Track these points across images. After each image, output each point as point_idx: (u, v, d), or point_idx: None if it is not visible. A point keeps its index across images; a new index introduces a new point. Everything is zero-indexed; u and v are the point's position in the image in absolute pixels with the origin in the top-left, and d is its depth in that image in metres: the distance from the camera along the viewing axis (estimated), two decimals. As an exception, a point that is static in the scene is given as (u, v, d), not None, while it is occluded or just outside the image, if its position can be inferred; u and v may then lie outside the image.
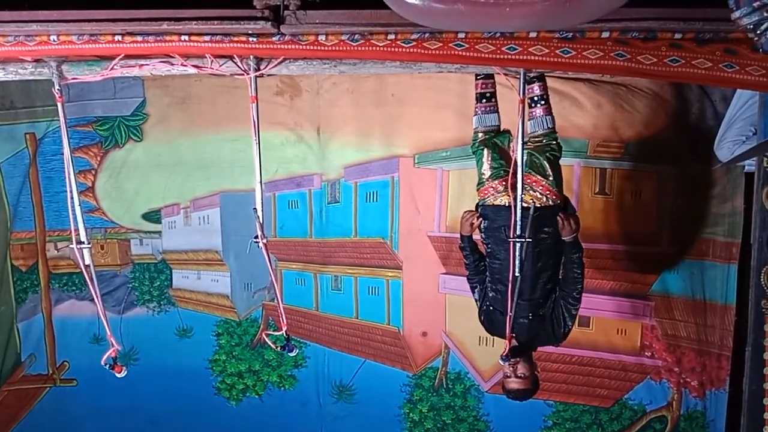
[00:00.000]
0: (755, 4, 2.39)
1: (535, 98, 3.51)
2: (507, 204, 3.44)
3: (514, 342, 3.55)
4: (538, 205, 3.41)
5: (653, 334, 4.73)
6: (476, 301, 3.72)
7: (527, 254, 3.33)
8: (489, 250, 3.61)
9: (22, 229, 5.23)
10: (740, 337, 4.34)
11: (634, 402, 4.87)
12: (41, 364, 5.37)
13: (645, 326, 4.74)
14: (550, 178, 3.46)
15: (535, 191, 3.45)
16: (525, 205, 3.34)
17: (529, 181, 3.39)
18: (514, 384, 3.54)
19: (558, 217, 3.40)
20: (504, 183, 3.46)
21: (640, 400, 4.85)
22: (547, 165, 3.45)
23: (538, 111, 3.53)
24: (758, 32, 2.43)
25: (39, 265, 5.28)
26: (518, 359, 3.50)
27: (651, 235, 4.62)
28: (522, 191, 3.30)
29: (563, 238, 3.43)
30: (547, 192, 3.47)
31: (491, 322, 3.66)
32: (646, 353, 4.77)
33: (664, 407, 4.83)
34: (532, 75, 3.43)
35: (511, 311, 3.37)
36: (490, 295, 3.62)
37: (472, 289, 3.72)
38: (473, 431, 5.13)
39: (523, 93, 3.51)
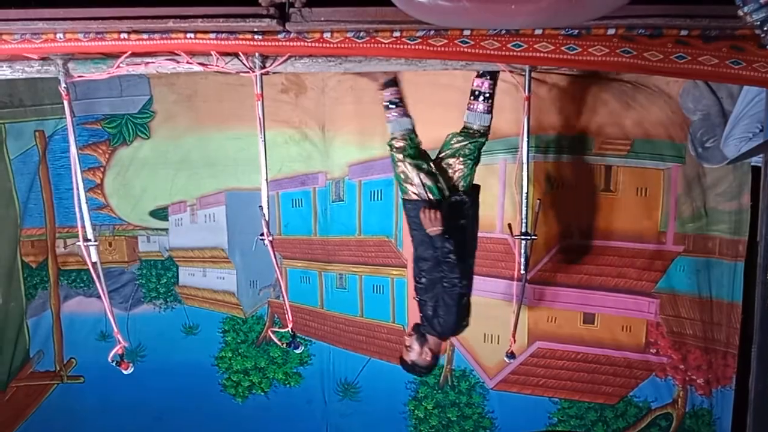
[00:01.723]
0: (762, 1, 2.38)
1: (485, 93, 3.59)
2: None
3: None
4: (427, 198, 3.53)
5: (658, 331, 4.72)
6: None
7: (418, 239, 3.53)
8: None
9: (33, 226, 5.26)
10: (747, 335, 4.33)
11: (639, 399, 4.86)
12: (49, 361, 5.40)
13: (650, 323, 4.73)
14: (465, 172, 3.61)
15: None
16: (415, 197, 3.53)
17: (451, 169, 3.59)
18: (426, 358, 3.64)
19: (420, 212, 3.47)
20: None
21: (646, 397, 4.85)
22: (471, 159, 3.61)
23: (481, 106, 3.61)
24: (765, 29, 2.42)
25: (49, 262, 5.31)
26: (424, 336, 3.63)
27: (656, 232, 4.61)
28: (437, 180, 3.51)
29: (427, 231, 3.46)
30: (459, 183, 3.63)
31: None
32: (651, 350, 4.76)
33: (670, 404, 4.82)
34: (485, 71, 3.55)
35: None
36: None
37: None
38: (478, 428, 5.13)
39: (529, 90, 3.52)
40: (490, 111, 3.63)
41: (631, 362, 4.80)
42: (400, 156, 3.59)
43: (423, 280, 3.59)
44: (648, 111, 4.46)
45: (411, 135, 3.65)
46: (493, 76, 3.58)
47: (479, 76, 3.59)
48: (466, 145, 3.61)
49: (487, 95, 3.60)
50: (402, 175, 3.61)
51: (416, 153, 3.61)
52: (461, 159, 3.62)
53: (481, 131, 3.65)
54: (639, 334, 4.75)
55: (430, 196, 3.55)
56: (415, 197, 3.58)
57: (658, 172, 4.56)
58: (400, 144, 3.62)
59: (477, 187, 3.72)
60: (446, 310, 3.53)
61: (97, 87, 4.77)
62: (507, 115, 4.46)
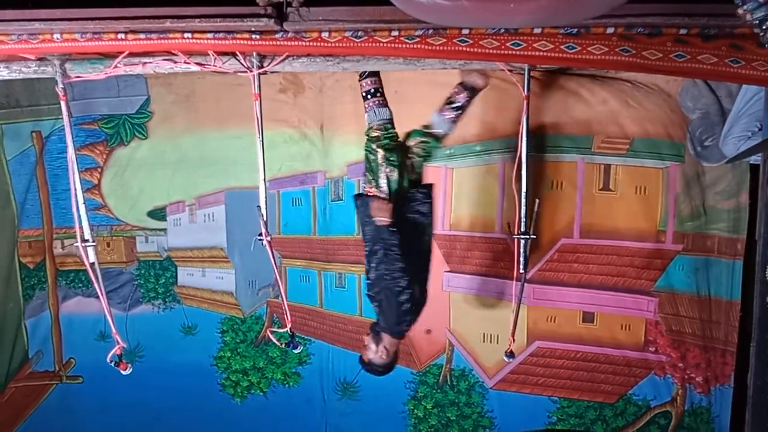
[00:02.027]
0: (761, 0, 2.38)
1: (371, 91, 3.72)
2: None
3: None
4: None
5: (657, 330, 4.72)
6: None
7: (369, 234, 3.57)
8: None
9: (30, 227, 5.24)
10: (745, 333, 4.33)
11: (638, 398, 4.87)
12: (48, 361, 5.39)
13: (649, 322, 4.73)
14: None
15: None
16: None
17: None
18: (383, 357, 3.66)
19: (371, 200, 3.55)
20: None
21: (645, 395, 4.85)
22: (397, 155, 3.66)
23: (451, 115, 3.72)
24: (764, 27, 2.41)
25: (46, 263, 5.30)
26: (379, 334, 3.65)
27: (656, 231, 4.61)
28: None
29: (374, 219, 3.50)
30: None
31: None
32: (650, 349, 4.76)
33: (669, 403, 4.83)
34: (469, 84, 3.68)
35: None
36: None
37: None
38: (478, 427, 5.13)
39: (528, 89, 3.52)
40: (456, 121, 3.75)
41: (630, 361, 4.80)
42: (374, 146, 3.64)
43: (371, 275, 3.60)
44: (647, 110, 4.46)
45: (387, 125, 3.69)
46: (473, 91, 3.70)
47: (461, 84, 3.69)
48: (427, 143, 3.71)
49: (459, 107, 3.72)
50: (372, 164, 3.66)
51: (390, 144, 3.65)
52: (416, 156, 3.72)
53: (441, 137, 3.75)
54: (638, 332, 4.76)
55: (388, 190, 3.60)
56: (373, 192, 3.63)
57: (657, 171, 4.56)
58: (375, 134, 3.67)
59: (430, 186, 3.77)
60: (387, 305, 3.55)
61: (94, 87, 4.75)
62: (506, 115, 4.49)
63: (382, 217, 3.45)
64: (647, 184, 4.58)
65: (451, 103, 3.72)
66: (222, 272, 5.31)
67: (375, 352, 3.67)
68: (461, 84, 3.73)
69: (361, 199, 3.66)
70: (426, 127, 3.73)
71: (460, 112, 3.73)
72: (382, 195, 3.58)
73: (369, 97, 3.75)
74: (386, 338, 3.63)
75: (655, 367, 4.79)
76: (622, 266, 4.69)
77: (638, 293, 4.70)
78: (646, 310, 4.71)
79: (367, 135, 3.70)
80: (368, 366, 3.76)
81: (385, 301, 3.54)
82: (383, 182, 3.61)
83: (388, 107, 3.76)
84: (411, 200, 3.65)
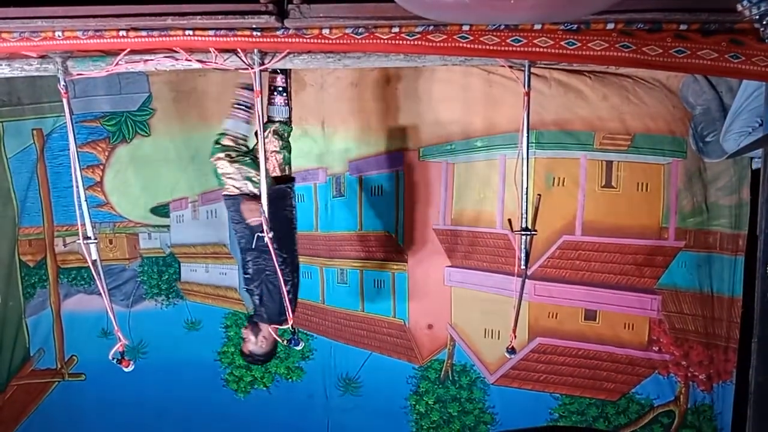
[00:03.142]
0: (761, -5, 2.38)
1: (279, 88, 3.86)
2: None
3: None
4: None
5: (661, 328, 4.71)
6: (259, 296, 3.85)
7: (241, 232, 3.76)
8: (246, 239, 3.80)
9: (30, 225, 5.25)
10: (746, 329, 4.33)
11: (641, 396, 4.86)
12: (50, 359, 5.41)
13: (653, 320, 4.72)
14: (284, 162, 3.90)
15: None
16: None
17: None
18: (268, 346, 3.90)
19: (241, 204, 3.73)
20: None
21: (648, 394, 4.84)
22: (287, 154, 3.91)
23: (279, 99, 3.87)
24: (764, 23, 2.42)
25: (47, 260, 5.31)
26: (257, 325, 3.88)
27: (658, 228, 4.60)
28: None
29: (248, 222, 3.69)
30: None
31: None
32: (653, 348, 4.75)
33: (672, 402, 4.82)
34: (277, 68, 3.72)
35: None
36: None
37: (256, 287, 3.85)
38: (479, 423, 5.14)
39: (528, 86, 3.52)
40: (287, 103, 3.91)
41: (634, 360, 4.78)
42: (221, 154, 3.75)
43: (249, 270, 3.81)
44: (648, 106, 4.45)
45: (240, 140, 3.83)
46: (285, 71, 3.83)
47: (273, 72, 3.81)
48: (278, 134, 3.87)
49: (282, 89, 3.87)
50: (221, 170, 3.78)
51: (239, 156, 3.75)
52: (277, 149, 3.88)
53: (284, 121, 3.91)
54: (642, 331, 4.75)
55: (252, 189, 3.70)
56: (236, 192, 3.74)
57: (659, 167, 4.56)
58: (226, 142, 3.79)
59: (292, 179, 3.96)
60: (270, 297, 3.77)
61: (96, 85, 4.77)
62: (507, 111, 4.48)
63: (254, 217, 3.60)
64: (649, 180, 4.57)
65: (274, 89, 3.88)
66: (225, 268, 5.33)
67: (255, 343, 3.92)
68: (272, 72, 3.83)
69: (232, 199, 3.78)
70: (269, 121, 3.86)
71: (285, 93, 3.88)
72: (251, 194, 3.70)
73: (277, 93, 3.88)
74: (264, 328, 3.88)
75: (659, 367, 4.77)
76: (624, 264, 4.68)
77: (641, 291, 4.69)
78: (649, 308, 4.70)
79: (217, 140, 3.82)
80: (249, 357, 4.00)
81: (267, 294, 3.77)
82: (244, 183, 3.73)
83: (291, 107, 3.92)
84: (283, 193, 3.83)
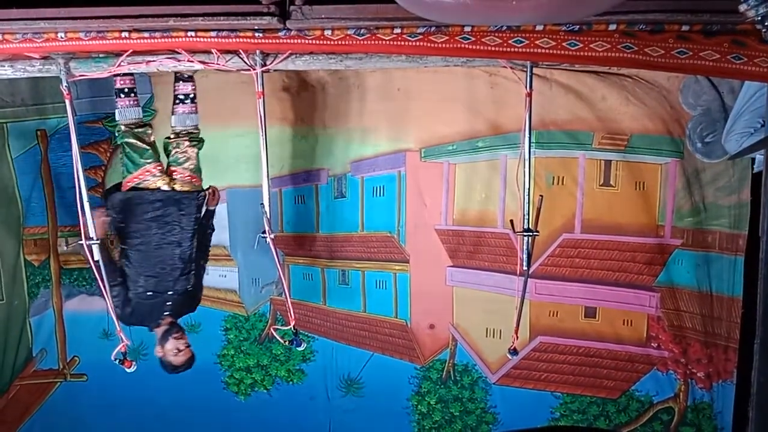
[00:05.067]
0: (763, -4, 2.39)
1: (189, 95, 3.96)
2: (162, 187, 3.91)
3: (170, 319, 4.03)
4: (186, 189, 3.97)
5: (659, 325, 4.73)
6: (115, 307, 3.94)
7: (184, 233, 3.95)
8: (130, 239, 3.92)
9: (35, 225, 5.25)
10: (747, 330, 4.33)
11: (641, 393, 4.88)
12: (52, 359, 5.40)
13: (651, 317, 4.74)
14: (192, 167, 4.02)
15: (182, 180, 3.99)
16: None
17: (178, 173, 3.98)
18: (182, 357, 3.96)
19: (210, 188, 4.12)
20: (159, 167, 3.93)
21: (647, 391, 4.86)
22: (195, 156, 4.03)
23: (186, 108, 3.98)
24: (766, 24, 2.42)
25: (51, 260, 5.31)
26: (182, 332, 4.01)
27: (655, 226, 4.61)
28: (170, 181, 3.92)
29: (210, 208, 4.11)
30: (192, 179, 4.04)
31: (144, 313, 4.02)
32: (652, 344, 4.77)
33: (671, 399, 4.84)
34: (186, 75, 3.89)
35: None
36: (140, 288, 3.93)
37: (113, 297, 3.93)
38: (481, 423, 5.15)
39: (530, 86, 3.53)
40: (196, 111, 4.04)
41: (633, 356, 4.81)
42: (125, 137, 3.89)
43: (192, 266, 4.07)
44: (647, 106, 4.45)
45: (193, 131, 4.06)
46: (191, 78, 3.95)
47: (179, 80, 3.92)
48: (192, 142, 4.02)
49: (192, 97, 4.00)
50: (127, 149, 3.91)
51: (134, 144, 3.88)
52: (190, 156, 4.03)
53: (193, 129, 4.06)
54: (640, 328, 4.77)
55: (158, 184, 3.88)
56: (135, 181, 3.86)
57: (655, 167, 4.56)
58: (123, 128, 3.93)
59: (206, 190, 4.18)
60: (149, 318, 4.04)
61: (99, 86, 4.76)
62: (508, 112, 4.49)
63: (213, 203, 4.08)
64: (646, 179, 4.58)
65: (183, 98, 3.96)
66: (225, 270, 5.32)
67: (184, 354, 4.00)
68: (177, 80, 3.94)
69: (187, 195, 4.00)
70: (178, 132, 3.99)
71: (194, 101, 3.99)
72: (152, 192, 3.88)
73: (185, 101, 3.97)
74: (183, 338, 4.01)
75: (658, 363, 4.79)
76: (623, 261, 4.70)
77: (640, 288, 4.71)
78: (648, 305, 4.72)
79: (118, 132, 3.94)
80: (183, 367, 4.05)
81: (147, 316, 4.00)
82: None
83: (139, 107, 3.99)
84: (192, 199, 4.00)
